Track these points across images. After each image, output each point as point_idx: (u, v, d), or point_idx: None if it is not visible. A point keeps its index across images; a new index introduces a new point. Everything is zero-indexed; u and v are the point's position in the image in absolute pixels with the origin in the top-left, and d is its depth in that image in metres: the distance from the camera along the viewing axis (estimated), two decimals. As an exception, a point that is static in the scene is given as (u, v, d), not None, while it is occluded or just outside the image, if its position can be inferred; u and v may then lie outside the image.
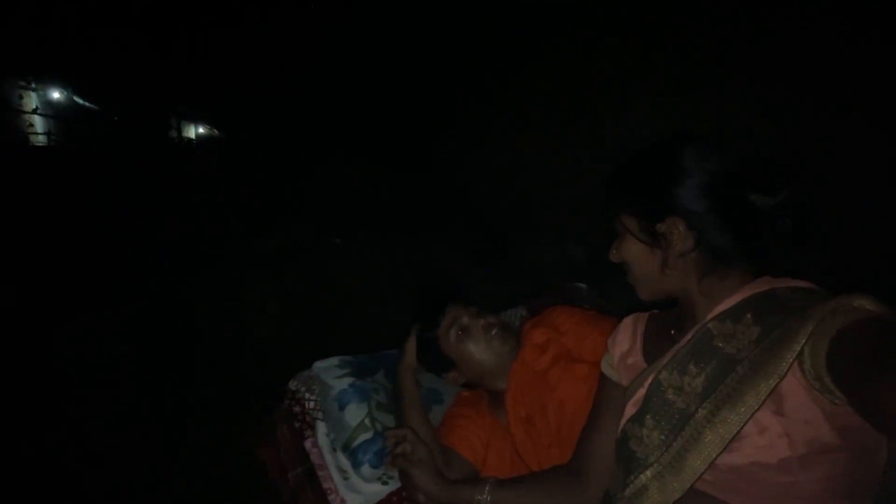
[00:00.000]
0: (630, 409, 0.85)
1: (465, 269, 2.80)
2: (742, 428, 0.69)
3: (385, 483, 1.29)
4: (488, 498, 1.01)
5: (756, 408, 0.68)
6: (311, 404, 1.42)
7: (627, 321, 0.99)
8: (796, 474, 0.66)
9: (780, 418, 0.67)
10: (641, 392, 0.83)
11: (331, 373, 1.42)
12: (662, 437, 0.77)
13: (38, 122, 11.84)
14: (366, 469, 1.27)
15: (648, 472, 0.77)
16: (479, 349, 1.28)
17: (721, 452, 0.70)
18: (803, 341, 0.66)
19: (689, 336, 0.80)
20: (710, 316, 0.79)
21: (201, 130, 17.17)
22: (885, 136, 1.77)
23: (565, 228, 2.79)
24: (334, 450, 1.34)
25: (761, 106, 2.13)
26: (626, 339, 0.96)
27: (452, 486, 1.07)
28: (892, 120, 1.71)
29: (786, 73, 2.09)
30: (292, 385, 1.48)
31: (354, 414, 1.32)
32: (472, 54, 3.73)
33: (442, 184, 3.69)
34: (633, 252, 0.85)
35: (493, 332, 1.28)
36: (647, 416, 0.80)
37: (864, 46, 1.87)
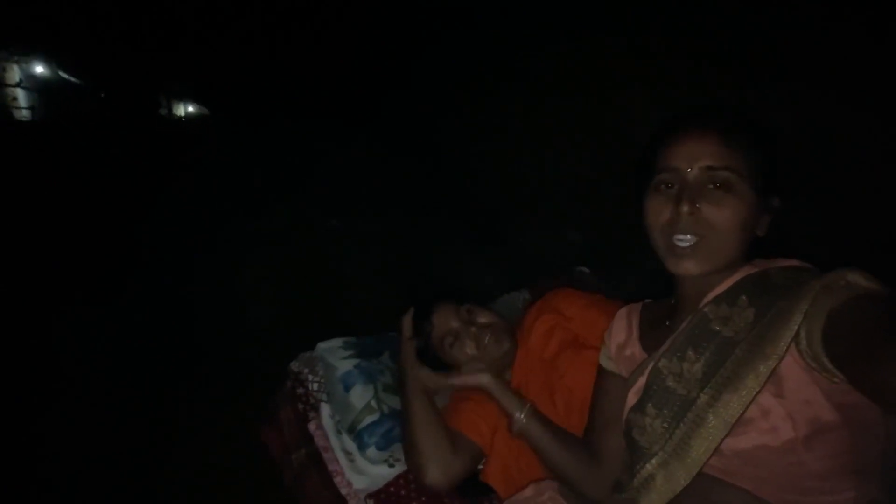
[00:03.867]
0: (631, 399, 0.84)
1: (467, 254, 2.78)
2: (746, 411, 0.69)
3: (391, 465, 1.27)
4: (524, 419, 1.05)
5: (757, 389, 0.68)
6: (315, 386, 1.40)
7: (622, 312, 0.98)
8: (801, 454, 0.66)
9: (781, 400, 0.68)
10: (642, 381, 0.83)
11: (335, 354, 1.40)
12: (665, 426, 0.77)
13: (22, 96, 11.52)
14: (372, 451, 1.26)
15: (654, 461, 0.77)
16: (473, 358, 1.24)
17: (726, 437, 0.70)
18: (799, 321, 0.66)
19: (686, 322, 0.80)
20: (705, 300, 0.79)
21: (191, 109, 16.84)
22: (889, 127, 1.77)
23: (567, 213, 2.78)
24: (339, 432, 1.33)
25: (760, 97, 2.12)
26: (622, 330, 0.95)
27: (504, 386, 1.12)
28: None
29: (789, 65, 2.08)
30: (294, 366, 1.46)
31: (360, 395, 1.31)
32: (473, 39, 3.68)
33: (443, 167, 3.65)
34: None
35: (487, 339, 1.24)
36: (649, 405, 0.80)
37: (871, 36, 1.86)
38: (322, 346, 1.45)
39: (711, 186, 0.76)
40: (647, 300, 0.98)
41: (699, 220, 0.75)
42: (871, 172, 1.77)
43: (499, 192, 3.20)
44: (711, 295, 0.78)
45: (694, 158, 0.77)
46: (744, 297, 0.75)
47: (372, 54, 4.92)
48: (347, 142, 4.32)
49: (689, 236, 0.76)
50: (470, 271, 2.57)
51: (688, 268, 0.77)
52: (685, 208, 0.75)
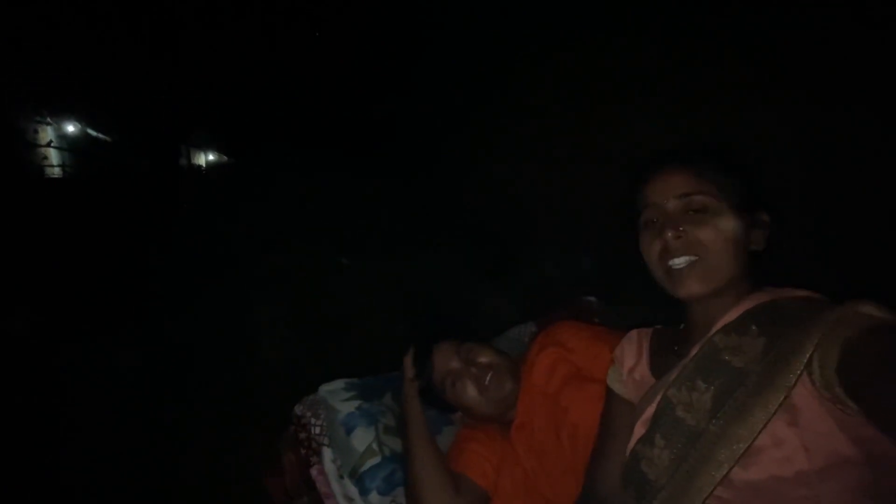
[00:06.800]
0: (639, 430, 0.83)
1: (474, 285, 2.77)
2: (755, 441, 0.67)
3: (394, 511, 1.24)
4: None
5: (765, 421, 0.67)
6: (317, 430, 1.38)
7: (632, 335, 0.97)
8: (815, 487, 0.64)
9: (796, 429, 0.66)
10: (651, 410, 0.81)
11: (337, 396, 1.39)
12: (672, 457, 0.75)
13: (54, 155, 12.13)
14: (374, 496, 1.23)
15: (663, 494, 0.74)
16: (475, 399, 1.23)
17: (733, 467, 0.69)
18: (811, 351, 0.66)
19: (695, 350, 0.79)
20: (714, 329, 0.78)
21: (211, 157, 17.48)
22: (888, 128, 1.74)
23: (574, 242, 2.76)
24: (341, 477, 1.30)
25: (765, 116, 2.11)
26: (632, 353, 0.94)
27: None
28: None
29: (793, 80, 2.07)
30: (298, 410, 1.45)
31: (362, 438, 1.29)
32: (479, 67, 3.76)
33: (449, 199, 3.69)
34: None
35: (488, 379, 1.22)
36: (657, 435, 0.78)
37: (871, 37, 1.85)
38: (324, 388, 1.44)
39: (691, 212, 0.80)
40: (657, 326, 0.97)
41: (688, 242, 0.79)
42: (871, 175, 1.74)
43: (506, 221, 3.20)
44: (720, 323, 0.78)
45: (669, 191, 0.82)
46: (754, 327, 0.74)
47: (377, 88, 5.07)
48: (356, 179, 4.41)
49: (682, 258, 0.79)
50: (478, 303, 2.55)
51: (690, 288, 0.79)
52: (670, 234, 0.79)
